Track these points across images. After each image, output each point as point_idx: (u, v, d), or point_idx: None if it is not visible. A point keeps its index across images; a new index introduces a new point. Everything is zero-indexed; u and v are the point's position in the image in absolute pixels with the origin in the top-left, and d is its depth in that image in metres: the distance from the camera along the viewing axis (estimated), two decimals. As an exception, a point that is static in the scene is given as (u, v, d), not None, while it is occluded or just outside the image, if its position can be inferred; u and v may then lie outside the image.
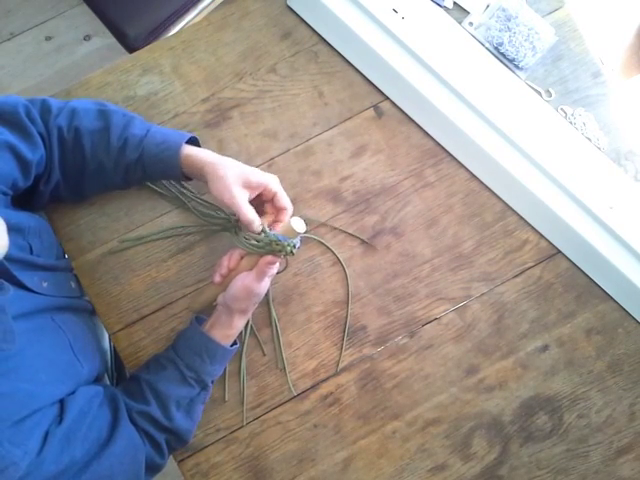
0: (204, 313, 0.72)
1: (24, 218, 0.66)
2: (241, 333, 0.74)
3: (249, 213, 0.64)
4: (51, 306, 0.64)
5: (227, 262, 0.68)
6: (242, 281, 0.65)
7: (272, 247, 0.64)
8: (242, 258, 0.68)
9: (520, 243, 0.78)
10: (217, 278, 0.68)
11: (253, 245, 0.65)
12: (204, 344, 0.66)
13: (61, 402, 0.58)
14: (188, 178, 0.71)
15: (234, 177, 0.65)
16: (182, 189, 0.76)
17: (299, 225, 0.63)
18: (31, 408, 0.53)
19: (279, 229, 0.66)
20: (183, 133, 0.70)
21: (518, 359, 0.76)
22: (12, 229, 0.61)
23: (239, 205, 0.64)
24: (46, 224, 0.73)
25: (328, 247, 0.77)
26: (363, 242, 0.77)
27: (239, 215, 0.65)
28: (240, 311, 0.67)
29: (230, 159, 0.68)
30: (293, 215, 0.67)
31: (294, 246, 0.64)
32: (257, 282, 0.64)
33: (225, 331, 0.67)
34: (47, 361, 0.58)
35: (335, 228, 0.77)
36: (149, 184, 0.76)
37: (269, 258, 0.64)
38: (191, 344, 0.67)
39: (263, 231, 0.65)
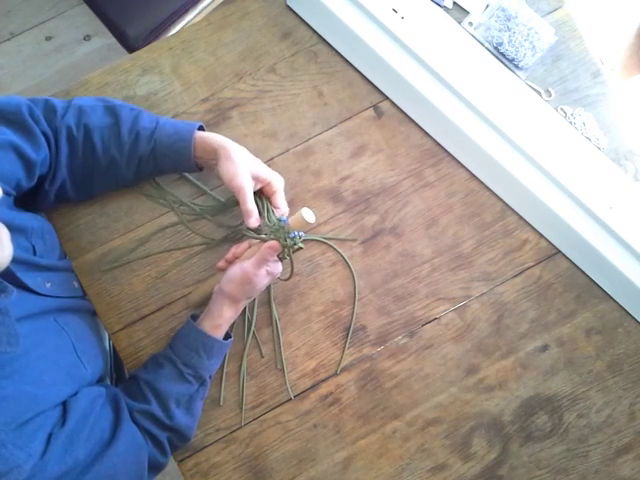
0: (202, 308, 0.72)
1: (27, 219, 0.66)
2: (242, 333, 0.74)
3: (251, 204, 0.65)
4: (54, 307, 0.64)
5: (234, 249, 0.69)
6: (240, 264, 0.66)
7: (277, 230, 0.64)
8: (249, 247, 0.69)
9: (520, 243, 0.78)
10: (221, 263, 0.70)
11: (257, 230, 0.66)
12: (200, 340, 0.66)
13: (64, 404, 0.58)
14: (199, 169, 0.72)
15: (246, 164, 0.67)
16: (177, 199, 0.77)
17: (309, 215, 0.63)
18: (35, 411, 0.53)
19: (289, 219, 0.66)
20: (192, 122, 0.70)
21: (518, 359, 0.76)
22: (16, 230, 0.61)
23: (245, 192, 0.65)
24: (49, 225, 0.73)
25: (334, 247, 0.77)
26: (361, 243, 0.77)
27: (242, 203, 0.65)
28: (230, 297, 0.66)
29: (242, 147, 0.70)
30: (291, 214, 0.68)
31: (300, 237, 0.64)
32: (255, 268, 0.64)
33: (214, 321, 0.67)
34: (50, 363, 0.58)
35: (334, 229, 0.77)
36: (144, 195, 0.76)
37: (271, 243, 0.63)
38: (187, 341, 0.67)
39: (279, 219, 0.66)
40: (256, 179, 0.68)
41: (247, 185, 0.65)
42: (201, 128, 0.72)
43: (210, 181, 0.77)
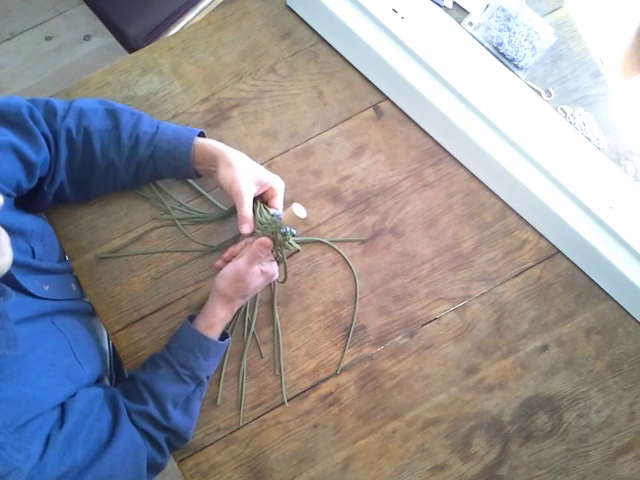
0: None
1: (27, 221, 0.66)
2: (242, 332, 0.74)
3: (247, 210, 0.66)
4: (52, 310, 0.64)
5: (232, 248, 0.70)
6: (234, 262, 0.66)
7: (269, 225, 0.64)
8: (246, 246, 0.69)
9: (520, 243, 0.78)
10: (219, 262, 0.70)
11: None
12: (196, 340, 0.66)
13: (62, 405, 0.58)
14: (198, 175, 0.72)
15: (246, 170, 0.67)
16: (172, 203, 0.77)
17: (300, 211, 0.63)
18: (33, 412, 0.53)
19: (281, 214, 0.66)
20: (192, 129, 0.71)
21: (518, 359, 0.76)
22: (15, 232, 0.61)
23: (243, 198, 0.65)
24: (49, 227, 0.73)
25: (335, 248, 0.77)
26: (361, 243, 0.77)
27: (239, 208, 0.66)
28: (224, 296, 0.67)
29: (241, 153, 0.70)
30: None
31: (289, 231, 0.64)
32: (247, 265, 0.64)
33: (207, 320, 0.67)
34: (49, 365, 0.58)
35: (336, 227, 0.77)
36: (139, 193, 0.76)
37: (262, 239, 0.64)
38: (183, 342, 0.67)
39: (272, 214, 0.66)
40: (258, 184, 0.68)
41: (246, 191, 0.66)
42: (202, 134, 0.72)
43: (209, 185, 0.77)
